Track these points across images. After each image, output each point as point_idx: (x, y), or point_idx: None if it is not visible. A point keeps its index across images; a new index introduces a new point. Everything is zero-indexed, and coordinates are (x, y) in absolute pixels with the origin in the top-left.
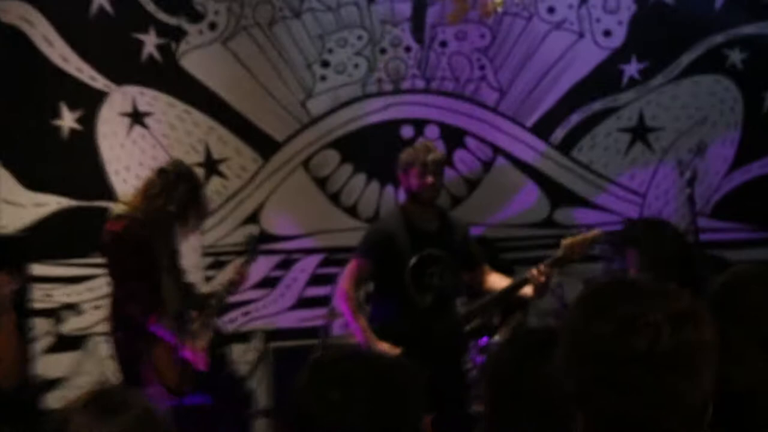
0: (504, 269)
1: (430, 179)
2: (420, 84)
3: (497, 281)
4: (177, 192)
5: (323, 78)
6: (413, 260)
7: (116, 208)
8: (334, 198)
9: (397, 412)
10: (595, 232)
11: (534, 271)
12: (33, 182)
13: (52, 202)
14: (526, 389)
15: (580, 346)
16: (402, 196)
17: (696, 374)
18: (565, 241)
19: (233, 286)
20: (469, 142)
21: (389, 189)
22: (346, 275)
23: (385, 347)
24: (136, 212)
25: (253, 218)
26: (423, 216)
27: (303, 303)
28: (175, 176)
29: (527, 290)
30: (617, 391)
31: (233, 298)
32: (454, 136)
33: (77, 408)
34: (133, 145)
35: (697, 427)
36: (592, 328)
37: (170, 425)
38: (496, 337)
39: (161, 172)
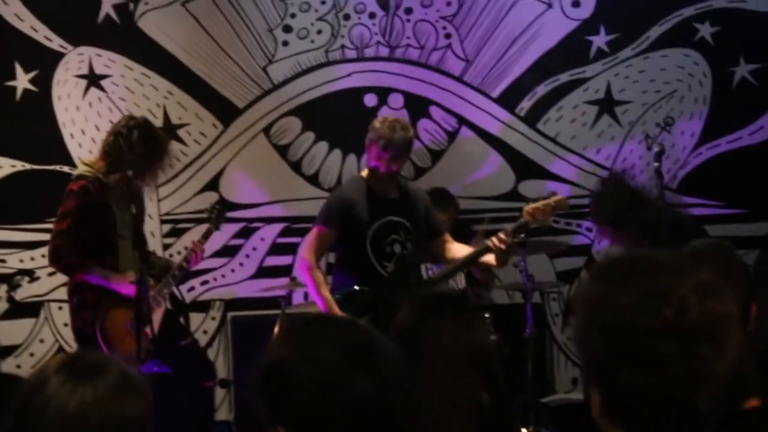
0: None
1: (395, 167)
2: (384, 51)
3: (459, 250)
4: (134, 154)
5: (285, 43)
6: (373, 227)
7: (79, 168)
8: (296, 166)
9: (393, 377)
10: (557, 198)
11: (494, 239)
12: None
13: (6, 165)
14: (423, 344)
15: (601, 319)
16: (363, 165)
17: (722, 346)
18: (527, 208)
19: (187, 261)
20: (434, 111)
21: (351, 157)
22: (307, 245)
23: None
24: (97, 174)
25: (212, 185)
26: (383, 185)
27: (263, 272)
28: (131, 137)
29: (489, 258)
30: (643, 365)
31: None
32: (418, 106)
33: (52, 371)
34: (90, 108)
35: (722, 402)
36: (615, 300)
37: (148, 389)
38: None
39: (118, 134)
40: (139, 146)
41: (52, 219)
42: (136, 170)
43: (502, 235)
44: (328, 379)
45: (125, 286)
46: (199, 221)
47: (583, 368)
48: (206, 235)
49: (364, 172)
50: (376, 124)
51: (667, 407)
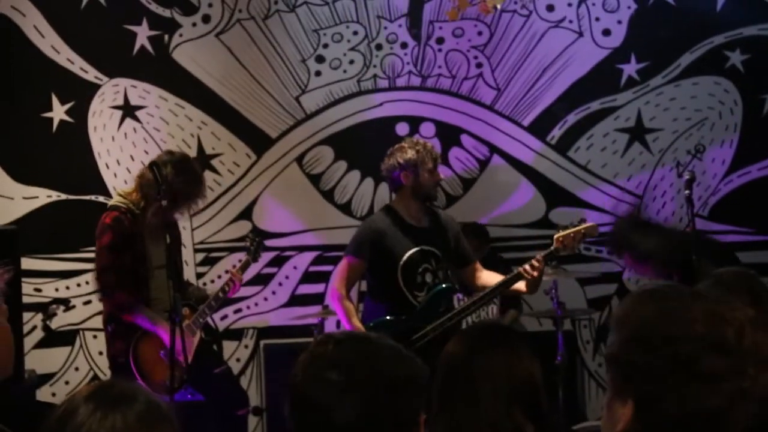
0: (501, 269)
1: (441, 175)
2: (416, 81)
3: (489, 278)
4: (170, 187)
5: (318, 73)
6: (404, 257)
7: (112, 199)
8: (328, 195)
9: (395, 402)
10: (587, 225)
11: (526, 266)
12: (23, 175)
13: (42, 196)
14: (475, 377)
15: (663, 330)
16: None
17: (764, 372)
18: (557, 235)
19: (225, 291)
20: (465, 140)
21: (384, 186)
22: (337, 275)
23: None
24: (130, 205)
25: (245, 214)
26: (414, 213)
27: (295, 300)
28: (167, 170)
29: (520, 286)
30: (696, 377)
31: None
32: (450, 134)
33: (81, 400)
34: (125, 138)
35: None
36: (681, 313)
37: (175, 418)
38: None
39: (153, 165)
40: (173, 178)
41: (87, 249)
42: (170, 201)
43: (534, 263)
44: (324, 400)
45: (167, 333)
46: (231, 250)
47: (616, 384)
48: (244, 267)
49: (394, 202)
50: (408, 152)
51: (705, 422)
